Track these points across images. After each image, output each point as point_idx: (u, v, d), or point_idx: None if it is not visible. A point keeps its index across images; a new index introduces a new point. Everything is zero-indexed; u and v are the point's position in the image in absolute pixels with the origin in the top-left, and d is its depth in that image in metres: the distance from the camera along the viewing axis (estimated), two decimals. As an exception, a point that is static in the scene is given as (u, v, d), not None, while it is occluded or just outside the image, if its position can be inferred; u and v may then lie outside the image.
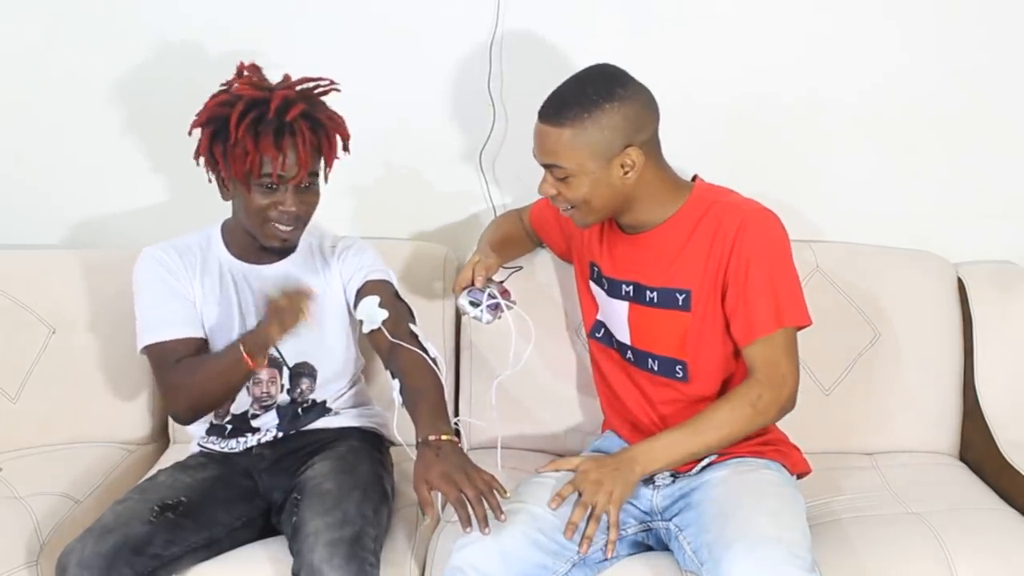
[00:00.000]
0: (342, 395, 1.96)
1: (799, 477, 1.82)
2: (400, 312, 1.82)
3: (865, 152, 2.29)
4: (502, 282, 1.90)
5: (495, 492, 1.57)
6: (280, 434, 1.90)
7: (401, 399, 1.72)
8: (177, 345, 1.81)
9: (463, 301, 1.83)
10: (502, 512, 1.56)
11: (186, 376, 1.78)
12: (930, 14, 2.21)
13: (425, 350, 1.75)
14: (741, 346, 1.72)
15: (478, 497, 1.54)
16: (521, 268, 2.05)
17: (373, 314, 1.80)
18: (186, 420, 1.87)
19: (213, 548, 1.73)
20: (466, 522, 1.53)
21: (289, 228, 1.79)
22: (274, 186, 1.75)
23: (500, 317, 1.81)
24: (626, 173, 1.68)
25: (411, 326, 1.79)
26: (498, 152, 2.30)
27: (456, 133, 2.30)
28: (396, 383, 1.74)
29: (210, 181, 1.83)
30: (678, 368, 1.77)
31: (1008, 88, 2.25)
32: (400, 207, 2.35)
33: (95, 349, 2.18)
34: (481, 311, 1.80)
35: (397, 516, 1.84)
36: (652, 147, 1.71)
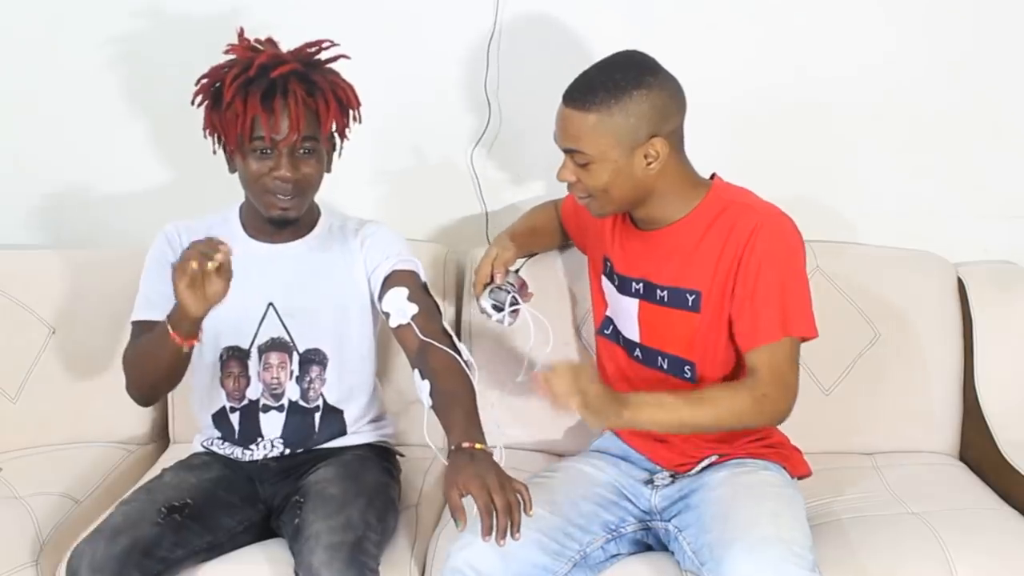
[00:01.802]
0: (362, 417, 1.91)
1: (799, 479, 1.82)
2: (430, 307, 1.76)
3: (865, 152, 2.29)
4: (517, 271, 1.89)
5: (523, 508, 1.51)
6: (287, 451, 1.87)
7: (431, 402, 1.66)
8: (153, 327, 1.74)
9: (486, 304, 1.82)
10: (518, 531, 1.50)
11: (127, 353, 1.77)
12: (930, 13, 2.21)
13: (459, 351, 1.69)
14: (744, 350, 1.68)
15: (506, 508, 1.48)
16: (535, 253, 2.04)
17: (403, 308, 1.74)
18: (138, 401, 1.80)
19: (215, 551, 1.73)
20: (487, 531, 1.48)
21: (287, 198, 1.75)
22: (268, 151, 1.71)
23: (516, 318, 1.81)
24: (649, 164, 1.65)
25: (445, 324, 1.74)
26: (498, 151, 2.29)
27: (454, 132, 2.30)
28: (426, 384, 1.67)
29: (215, 152, 1.81)
30: (686, 368, 1.76)
31: (1008, 88, 2.25)
32: (398, 206, 2.35)
33: (95, 349, 2.17)
34: (504, 316, 1.79)
35: (399, 517, 1.83)
36: (676, 140, 1.69)
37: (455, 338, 1.72)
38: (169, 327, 1.64)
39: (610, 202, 1.70)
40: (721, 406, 1.65)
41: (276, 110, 1.69)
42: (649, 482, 1.79)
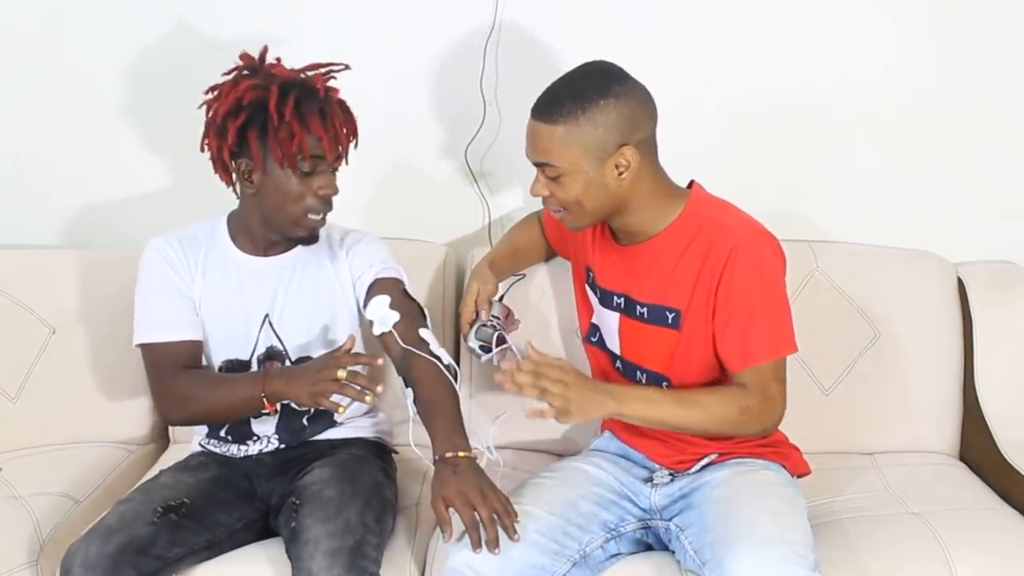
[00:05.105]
0: (349, 403, 1.95)
1: (799, 477, 1.82)
2: (412, 314, 1.79)
3: (865, 152, 2.29)
4: (501, 298, 1.93)
5: (510, 513, 1.56)
6: (282, 446, 1.89)
7: (415, 409, 1.69)
8: (175, 348, 1.81)
9: (473, 344, 1.86)
10: (516, 533, 1.55)
11: (195, 390, 1.78)
12: (929, 13, 2.21)
13: (438, 358, 1.72)
14: (731, 371, 1.68)
15: (491, 518, 1.54)
16: (524, 276, 2.06)
17: (384, 316, 1.76)
18: (178, 424, 1.87)
19: (214, 549, 1.73)
20: (477, 544, 1.53)
21: (323, 214, 1.78)
22: (312, 170, 1.74)
23: (505, 354, 1.83)
24: (620, 174, 1.64)
25: (421, 331, 1.75)
26: (497, 151, 2.29)
27: (453, 131, 2.30)
28: (410, 392, 1.71)
29: (232, 180, 1.79)
30: (664, 384, 1.76)
31: (1008, 87, 2.25)
32: (398, 206, 2.35)
33: (95, 349, 2.18)
34: (492, 356, 1.82)
35: (398, 517, 1.83)
36: (648, 149, 1.67)
37: (433, 345, 1.74)
38: (265, 398, 1.71)
39: (584, 215, 1.69)
40: (708, 412, 1.65)
41: (330, 128, 1.73)
42: (648, 480, 1.79)
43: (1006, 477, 1.98)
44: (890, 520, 1.83)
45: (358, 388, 1.61)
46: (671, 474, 1.78)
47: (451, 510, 1.55)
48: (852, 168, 2.29)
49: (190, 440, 1.98)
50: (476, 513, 1.54)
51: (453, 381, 1.71)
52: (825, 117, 2.27)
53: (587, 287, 1.88)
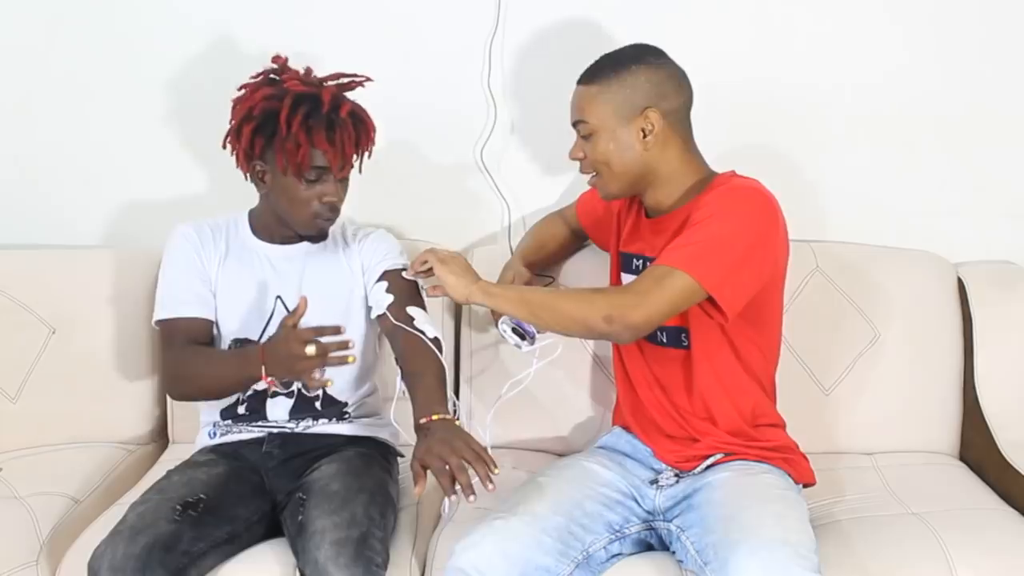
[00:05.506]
0: (362, 399, 1.98)
1: (804, 487, 1.81)
2: (408, 293, 1.86)
3: (865, 152, 2.29)
4: None
5: (484, 461, 1.56)
6: (294, 425, 1.91)
7: (403, 385, 1.75)
8: (186, 324, 1.86)
9: (506, 328, 1.85)
10: (491, 483, 1.55)
11: (196, 368, 1.83)
12: (931, 13, 2.21)
13: (423, 332, 1.77)
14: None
15: (460, 465, 1.55)
16: (553, 279, 2.09)
17: (380, 299, 1.85)
18: (179, 399, 1.95)
19: (235, 543, 1.74)
20: (449, 491, 1.54)
21: (331, 217, 1.85)
22: (317, 178, 1.80)
23: (534, 344, 1.85)
24: (645, 137, 1.70)
25: (408, 309, 1.81)
26: (512, 152, 2.29)
27: (467, 131, 2.29)
28: (399, 370, 1.78)
29: (247, 176, 1.86)
30: (683, 336, 1.78)
31: (1009, 88, 2.25)
32: (410, 206, 2.34)
33: (95, 349, 2.17)
34: (530, 346, 1.84)
35: (399, 517, 1.83)
36: (677, 121, 1.74)
37: (418, 320, 1.80)
38: (264, 371, 1.71)
39: (613, 178, 1.75)
40: (573, 295, 1.74)
41: (335, 143, 1.78)
42: (654, 482, 1.79)
43: (1006, 477, 1.98)
44: (890, 520, 1.83)
45: (335, 356, 1.65)
46: (676, 475, 1.78)
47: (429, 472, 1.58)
48: (852, 168, 2.30)
49: (191, 439, 1.98)
50: (446, 464, 1.55)
51: (438, 353, 1.77)
52: (826, 117, 2.27)
53: (622, 274, 1.90)
